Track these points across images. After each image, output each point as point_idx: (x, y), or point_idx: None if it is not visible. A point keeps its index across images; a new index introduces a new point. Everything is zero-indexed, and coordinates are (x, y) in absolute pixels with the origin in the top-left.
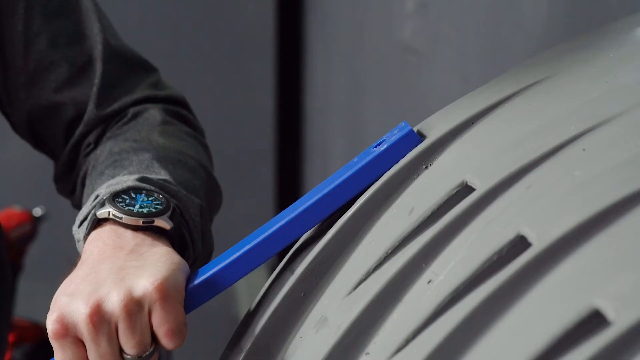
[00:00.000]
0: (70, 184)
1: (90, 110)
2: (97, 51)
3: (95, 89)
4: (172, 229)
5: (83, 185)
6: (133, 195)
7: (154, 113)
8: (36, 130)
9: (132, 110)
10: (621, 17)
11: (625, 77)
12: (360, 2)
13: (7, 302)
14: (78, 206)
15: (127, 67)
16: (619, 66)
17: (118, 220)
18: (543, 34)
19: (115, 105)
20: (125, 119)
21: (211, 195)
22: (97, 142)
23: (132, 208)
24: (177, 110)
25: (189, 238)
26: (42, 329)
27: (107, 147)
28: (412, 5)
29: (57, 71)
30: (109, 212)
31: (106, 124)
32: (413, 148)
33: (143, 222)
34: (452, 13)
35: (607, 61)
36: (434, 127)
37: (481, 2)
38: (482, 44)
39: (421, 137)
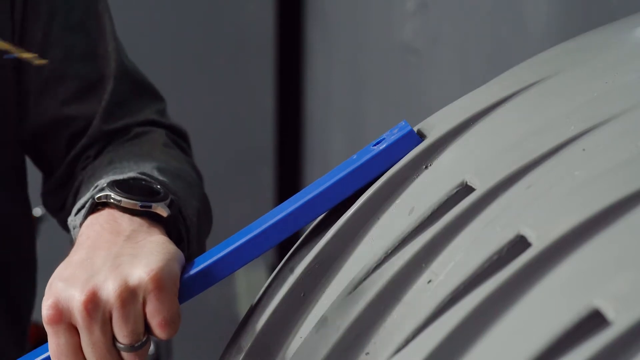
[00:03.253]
0: (62, 197)
1: (96, 124)
2: (110, 68)
3: (104, 103)
4: (169, 217)
5: (75, 198)
6: (132, 183)
7: (157, 136)
8: (38, 142)
9: (135, 130)
10: (621, 17)
11: (625, 77)
12: (360, 2)
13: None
14: (65, 222)
15: (137, 89)
16: (619, 66)
17: (116, 203)
18: (543, 34)
19: (121, 123)
20: (128, 137)
21: (204, 216)
22: (96, 156)
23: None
24: (179, 141)
25: (185, 234)
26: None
27: (106, 158)
28: (412, 5)
29: (67, 84)
30: (108, 195)
31: (109, 139)
32: (412, 148)
33: (141, 206)
34: (452, 13)
35: (607, 61)
36: (434, 127)
37: (481, 2)
38: (482, 44)
39: (421, 137)
